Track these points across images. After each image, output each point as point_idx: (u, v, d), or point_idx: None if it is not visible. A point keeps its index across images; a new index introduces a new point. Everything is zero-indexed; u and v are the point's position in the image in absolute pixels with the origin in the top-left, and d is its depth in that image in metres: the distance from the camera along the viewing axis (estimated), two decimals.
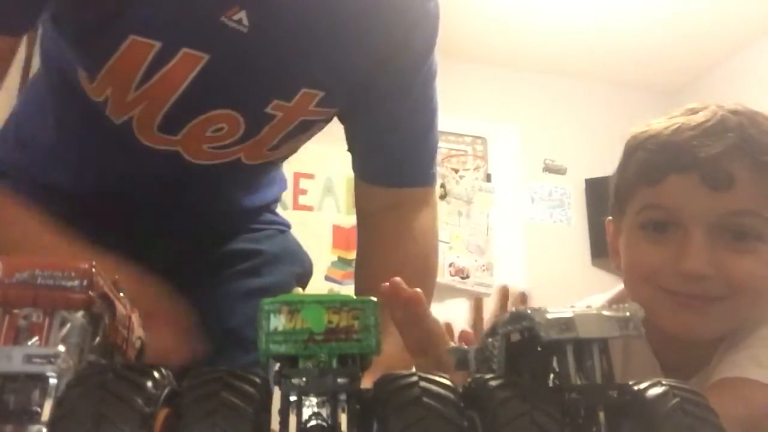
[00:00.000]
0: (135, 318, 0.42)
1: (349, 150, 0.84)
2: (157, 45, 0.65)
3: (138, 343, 0.42)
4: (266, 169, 0.86)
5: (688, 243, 0.70)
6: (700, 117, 0.74)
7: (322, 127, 0.81)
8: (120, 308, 0.37)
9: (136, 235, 0.79)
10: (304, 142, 0.82)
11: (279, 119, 0.73)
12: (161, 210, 0.80)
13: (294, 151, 0.84)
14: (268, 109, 0.72)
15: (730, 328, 0.72)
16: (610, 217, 0.83)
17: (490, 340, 0.40)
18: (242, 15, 0.66)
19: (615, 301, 0.81)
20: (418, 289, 0.57)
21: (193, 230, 0.84)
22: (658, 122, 0.77)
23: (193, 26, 0.65)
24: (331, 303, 0.29)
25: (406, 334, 0.60)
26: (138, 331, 0.42)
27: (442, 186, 3.61)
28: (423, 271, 0.81)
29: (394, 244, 0.81)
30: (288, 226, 0.96)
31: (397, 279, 0.55)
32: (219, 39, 0.66)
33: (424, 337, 0.61)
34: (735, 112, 0.73)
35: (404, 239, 0.81)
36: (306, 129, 0.77)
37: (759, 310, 0.72)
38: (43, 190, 0.79)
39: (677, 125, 0.74)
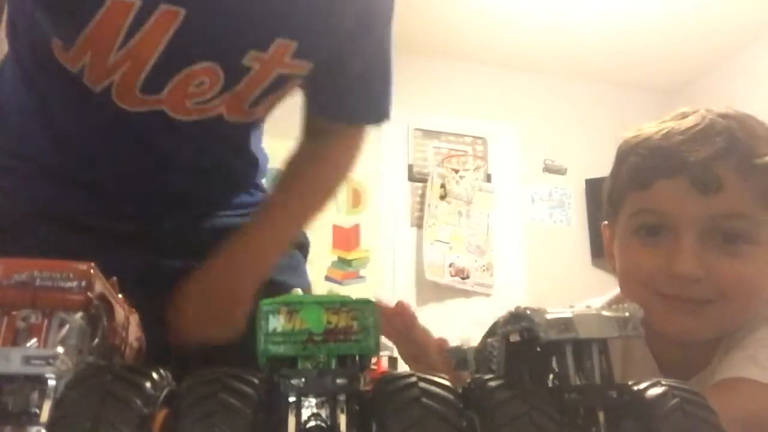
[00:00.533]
0: (133, 319, 0.42)
1: (307, 95, 0.89)
2: (137, 3, 0.67)
3: (136, 344, 0.42)
4: (249, 131, 0.89)
5: (679, 247, 0.71)
6: (689, 121, 0.75)
7: (295, 86, 0.83)
8: (118, 310, 0.37)
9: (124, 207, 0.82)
10: (280, 100, 0.84)
11: (256, 71, 0.76)
12: (147, 178, 0.82)
13: (270, 110, 0.86)
14: (245, 61, 0.74)
15: (725, 330, 0.73)
16: (606, 222, 0.84)
17: (489, 340, 0.40)
18: None
19: (613, 303, 0.81)
20: (403, 301, 0.61)
21: (186, 201, 0.85)
22: (649, 127, 0.78)
23: None
24: (330, 304, 0.29)
25: (397, 344, 0.63)
26: (136, 332, 0.42)
27: (443, 186, 3.61)
28: (321, 192, 0.92)
29: (311, 162, 0.91)
30: None
31: (380, 298, 0.58)
32: None
33: (413, 347, 0.63)
34: (724, 116, 0.74)
35: (319, 161, 0.90)
36: (282, 84, 0.80)
37: (752, 312, 0.73)
38: (25, 162, 0.81)
39: (667, 130, 0.75)
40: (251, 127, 0.88)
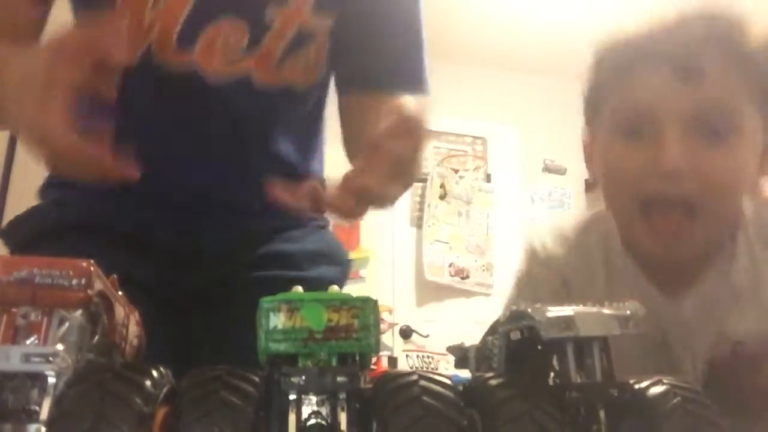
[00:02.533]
0: (133, 317, 0.42)
1: (332, 64, 0.83)
2: None
3: (136, 342, 0.42)
4: (287, 109, 0.84)
5: (663, 141, 0.67)
6: (670, 15, 0.72)
7: (322, 52, 0.80)
8: (118, 307, 0.37)
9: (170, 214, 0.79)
10: (311, 66, 0.81)
11: (278, 26, 0.77)
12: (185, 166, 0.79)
13: (303, 79, 0.82)
14: (267, 15, 0.76)
15: (710, 246, 0.71)
16: (584, 127, 0.80)
17: (490, 338, 0.40)
18: None
19: (593, 222, 0.82)
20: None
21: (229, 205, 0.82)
22: (629, 27, 0.76)
23: None
24: (331, 302, 0.29)
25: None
26: (136, 329, 0.42)
27: (442, 186, 3.61)
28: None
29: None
30: (327, 221, 0.95)
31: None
32: None
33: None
34: (707, 7, 0.72)
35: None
36: (305, 42, 0.79)
37: (733, 214, 0.72)
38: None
39: (646, 25, 0.73)
40: (300, 112, 0.85)
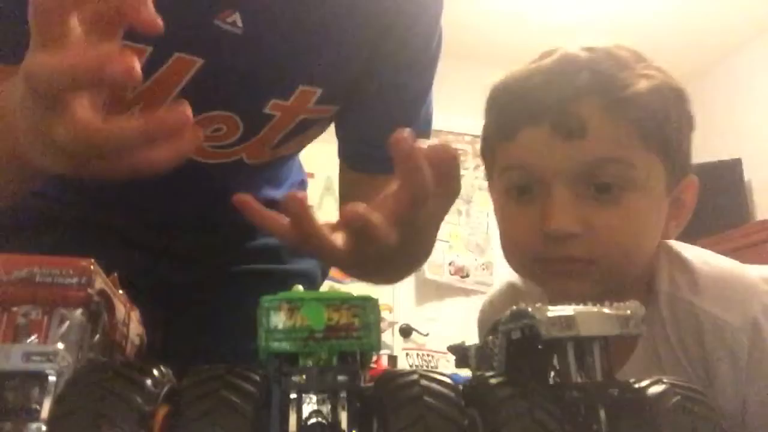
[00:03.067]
0: (134, 315, 0.42)
1: (337, 135, 0.82)
2: (149, 50, 0.63)
3: (137, 341, 0.42)
4: (272, 166, 0.84)
5: (550, 202, 0.63)
6: (550, 60, 0.68)
7: (325, 127, 0.80)
8: (119, 306, 0.37)
9: (151, 230, 0.79)
10: (308, 141, 0.81)
11: (278, 119, 0.72)
12: (169, 214, 0.79)
13: (299, 150, 0.83)
14: (267, 110, 0.71)
15: (616, 287, 0.64)
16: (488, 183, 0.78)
17: (490, 338, 0.40)
18: (236, 17, 0.64)
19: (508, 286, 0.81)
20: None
21: (209, 230, 0.83)
22: (515, 70, 0.72)
23: (186, 30, 0.63)
24: (331, 301, 0.29)
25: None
26: (137, 328, 0.42)
27: None
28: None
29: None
30: None
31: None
32: (213, 42, 0.65)
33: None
34: (590, 49, 0.67)
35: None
36: (306, 128, 0.76)
37: (642, 263, 0.67)
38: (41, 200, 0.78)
39: (528, 72, 0.68)
40: (277, 163, 0.83)
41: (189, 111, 0.42)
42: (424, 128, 0.83)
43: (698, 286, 0.64)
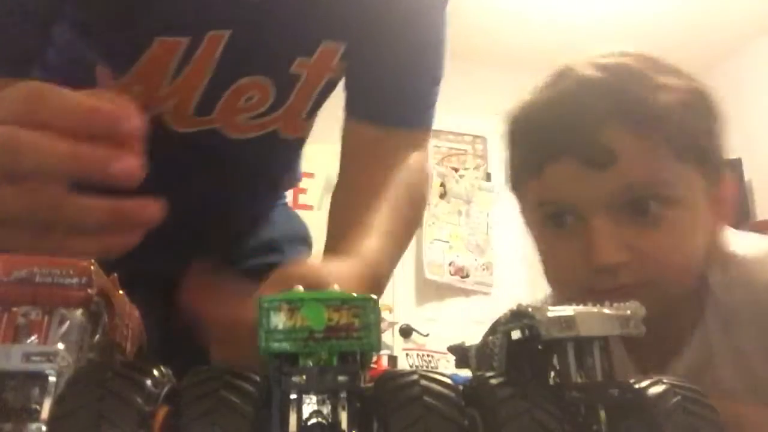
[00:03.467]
0: (135, 315, 0.42)
1: (345, 86, 0.81)
2: (185, 42, 0.66)
3: (138, 341, 0.42)
4: (300, 147, 0.86)
5: (591, 235, 0.62)
6: (565, 86, 0.66)
7: (336, 85, 0.80)
8: (120, 306, 0.37)
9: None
10: (322, 103, 0.81)
11: (305, 79, 0.73)
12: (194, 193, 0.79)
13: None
14: (293, 69, 0.72)
15: (671, 307, 0.64)
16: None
17: (490, 338, 0.40)
18: None
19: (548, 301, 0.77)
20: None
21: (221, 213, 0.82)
22: (531, 97, 0.71)
23: (215, 9, 0.66)
24: (331, 301, 0.29)
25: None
26: (138, 329, 0.42)
27: (442, 185, 3.61)
28: (407, 197, 0.73)
29: (377, 169, 0.74)
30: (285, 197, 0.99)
31: None
32: (237, 10, 0.67)
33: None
34: (603, 67, 0.66)
35: (388, 166, 0.75)
36: (330, 90, 0.77)
37: (691, 277, 0.65)
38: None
39: (547, 101, 0.68)
40: (302, 142, 0.85)
41: (159, 211, 0.45)
42: (425, 123, 0.83)
43: (748, 274, 0.64)
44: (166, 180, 0.73)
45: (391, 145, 0.77)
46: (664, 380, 0.31)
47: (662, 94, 0.63)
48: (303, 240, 0.95)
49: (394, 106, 0.80)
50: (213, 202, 0.80)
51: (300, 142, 0.84)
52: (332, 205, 0.78)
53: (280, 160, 0.85)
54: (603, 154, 0.62)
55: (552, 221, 0.67)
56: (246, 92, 0.72)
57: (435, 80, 0.83)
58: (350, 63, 0.77)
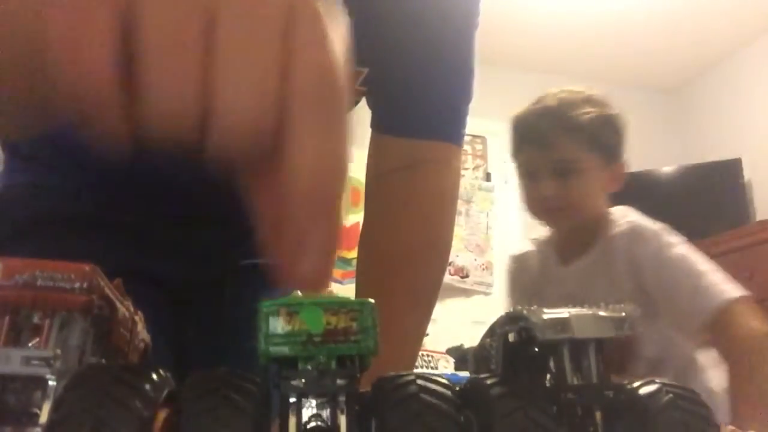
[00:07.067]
0: (138, 320, 0.42)
1: (368, 102, 0.82)
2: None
3: (141, 346, 0.42)
4: None
5: (540, 184, 1.43)
6: (538, 107, 1.45)
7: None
8: (122, 310, 0.37)
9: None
10: None
11: None
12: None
13: None
14: None
15: (582, 222, 1.44)
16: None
17: (488, 340, 0.40)
18: None
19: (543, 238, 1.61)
20: None
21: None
22: (523, 110, 1.50)
23: None
24: (330, 305, 0.29)
25: None
26: (141, 333, 0.42)
27: None
28: (428, 244, 0.78)
29: (401, 210, 0.77)
30: None
31: None
32: None
33: None
34: (557, 99, 1.46)
35: (413, 204, 0.77)
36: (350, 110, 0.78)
37: (590, 208, 1.43)
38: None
39: (527, 113, 1.48)
40: None
41: None
42: (456, 137, 0.85)
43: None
44: (179, 183, 0.73)
45: (417, 168, 0.77)
46: (657, 380, 0.32)
47: (583, 115, 1.38)
48: None
49: (419, 116, 0.81)
50: (223, 208, 0.80)
51: None
52: (358, 256, 0.79)
53: None
54: (548, 145, 1.41)
55: (525, 177, 1.48)
56: None
57: (465, 98, 0.84)
58: (375, 76, 0.77)
